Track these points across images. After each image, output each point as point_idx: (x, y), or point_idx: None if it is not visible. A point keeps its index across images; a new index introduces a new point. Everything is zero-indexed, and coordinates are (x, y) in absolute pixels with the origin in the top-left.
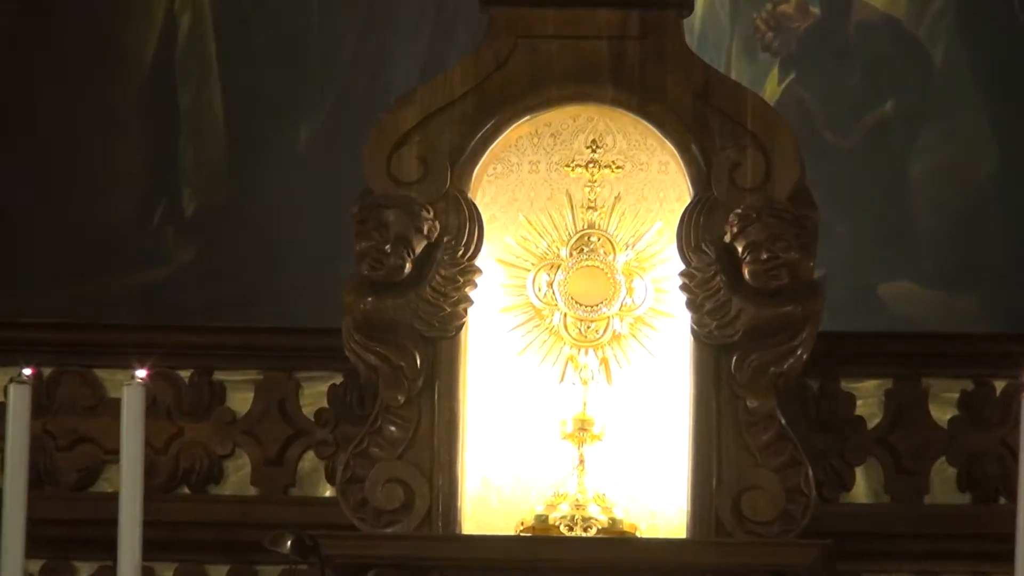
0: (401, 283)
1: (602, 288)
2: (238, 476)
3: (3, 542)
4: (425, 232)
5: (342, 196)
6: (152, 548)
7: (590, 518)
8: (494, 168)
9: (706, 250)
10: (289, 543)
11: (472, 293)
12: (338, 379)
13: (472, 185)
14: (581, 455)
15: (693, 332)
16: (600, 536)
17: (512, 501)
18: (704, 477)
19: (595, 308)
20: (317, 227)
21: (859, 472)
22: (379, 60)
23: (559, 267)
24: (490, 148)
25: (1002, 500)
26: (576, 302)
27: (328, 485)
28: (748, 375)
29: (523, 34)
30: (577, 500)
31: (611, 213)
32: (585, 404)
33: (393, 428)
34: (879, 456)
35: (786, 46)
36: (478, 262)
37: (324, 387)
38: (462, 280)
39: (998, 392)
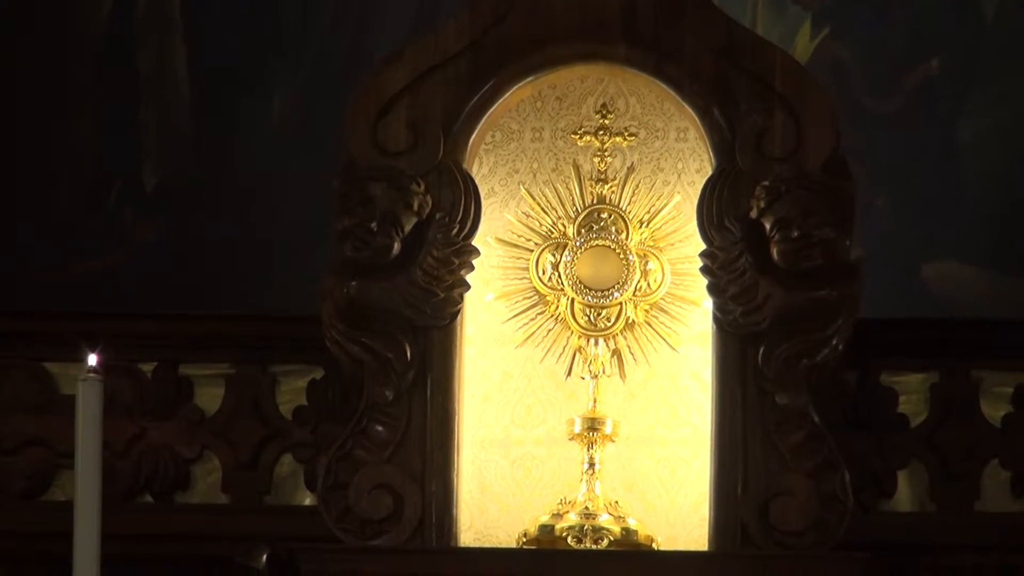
0: (389, 265)
1: (614, 270)
2: (207, 482)
3: None
4: (415, 208)
5: (322, 168)
6: (111, 563)
7: (601, 529)
8: (492, 136)
9: (730, 227)
10: (264, 557)
11: (468, 276)
12: (318, 373)
13: (468, 155)
14: (591, 458)
15: (716, 319)
16: (612, 549)
17: (514, 510)
18: (728, 482)
19: (606, 293)
20: (294, 203)
21: (902, 476)
22: (362, 15)
23: (566, 247)
24: (488, 113)
25: None
26: (585, 286)
27: (308, 492)
28: (777, 368)
29: None
30: (586, 508)
31: (623, 186)
32: (595, 401)
33: (380, 428)
34: (924, 458)
35: None
36: (474, 242)
37: (303, 382)
38: (457, 262)
39: None
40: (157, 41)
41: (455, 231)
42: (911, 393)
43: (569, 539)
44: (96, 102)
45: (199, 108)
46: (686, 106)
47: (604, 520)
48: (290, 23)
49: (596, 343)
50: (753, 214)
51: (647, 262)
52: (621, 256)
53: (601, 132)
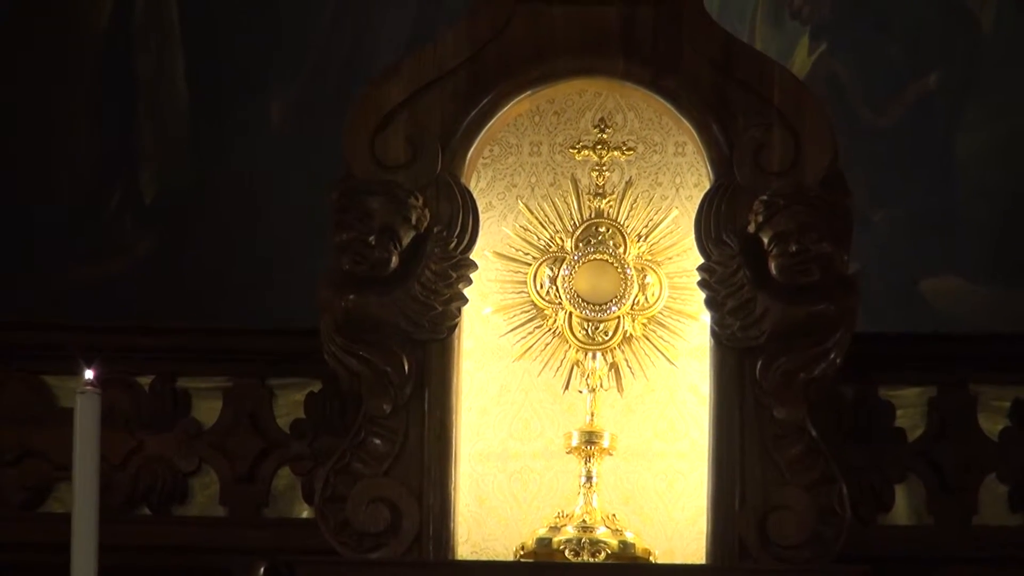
0: (387, 279)
1: (611, 284)
2: (205, 495)
3: None
4: (413, 222)
5: (320, 181)
6: (109, 575)
7: (598, 542)
8: (490, 150)
9: (728, 242)
10: (262, 570)
11: (466, 290)
12: (316, 386)
13: (466, 169)
14: (588, 471)
15: (714, 334)
16: (610, 562)
17: (511, 523)
18: (726, 496)
19: (604, 307)
20: (292, 216)
21: (899, 490)
22: (361, 27)
23: (564, 261)
24: (486, 128)
25: None
26: (583, 300)
27: (305, 505)
28: (775, 382)
29: None
30: (584, 521)
31: (621, 200)
32: (593, 414)
33: (378, 441)
34: (921, 472)
35: (817, 12)
36: (472, 255)
37: (301, 395)
38: (455, 275)
39: None
40: (156, 46)
41: (453, 245)
42: (909, 407)
43: (567, 552)
44: (95, 107)
45: (198, 112)
46: (684, 120)
47: (602, 533)
48: (289, 28)
49: (594, 357)
50: (751, 228)
51: (645, 276)
52: (619, 270)
53: (599, 146)
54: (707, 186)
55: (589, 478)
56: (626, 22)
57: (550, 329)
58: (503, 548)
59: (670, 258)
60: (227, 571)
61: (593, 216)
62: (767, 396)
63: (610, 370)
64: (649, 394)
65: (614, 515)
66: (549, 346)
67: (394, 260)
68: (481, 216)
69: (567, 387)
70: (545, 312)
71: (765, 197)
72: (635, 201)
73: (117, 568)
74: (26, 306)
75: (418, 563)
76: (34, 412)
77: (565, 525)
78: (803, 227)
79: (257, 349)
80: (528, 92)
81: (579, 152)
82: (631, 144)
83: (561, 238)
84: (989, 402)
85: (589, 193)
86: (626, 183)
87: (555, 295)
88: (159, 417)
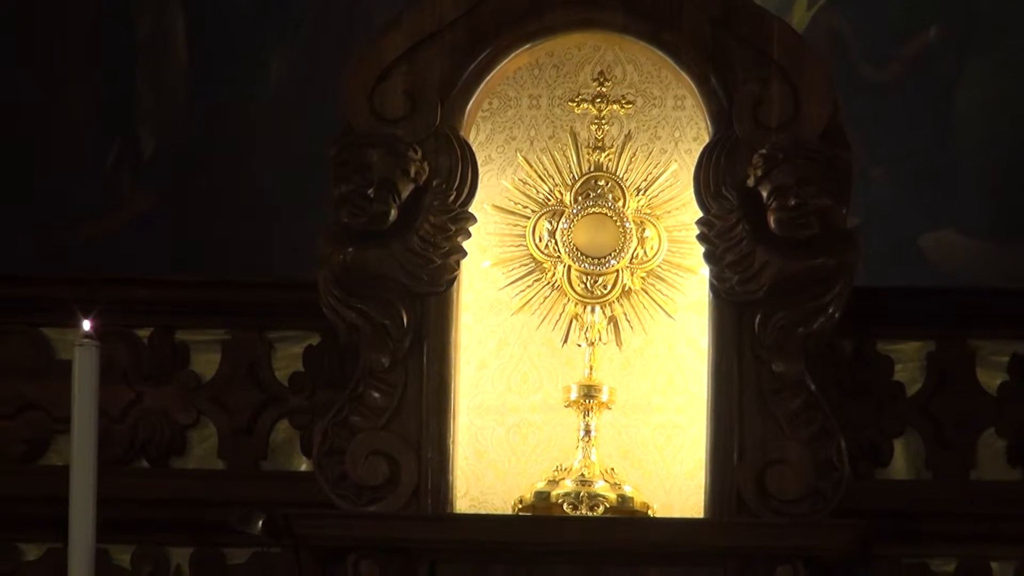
0: (385, 231)
1: (610, 238)
2: (203, 448)
3: None
4: (412, 175)
5: (319, 134)
6: (107, 528)
7: (597, 496)
8: (489, 103)
9: (727, 195)
10: (260, 523)
11: (465, 243)
12: (315, 339)
13: (465, 122)
14: (587, 425)
15: (712, 287)
16: (608, 516)
17: (509, 476)
18: (724, 450)
19: (603, 260)
20: (291, 169)
21: (897, 444)
22: None
23: (562, 214)
24: (485, 81)
25: None
26: (582, 254)
27: (304, 458)
28: (774, 336)
29: None
30: (582, 475)
31: (621, 154)
32: (591, 368)
33: (376, 394)
34: (920, 427)
35: None
36: (471, 208)
37: (299, 348)
38: (453, 228)
39: None
40: (155, 4)
41: (452, 198)
42: (907, 361)
43: (565, 506)
44: (95, 65)
45: (197, 69)
46: (683, 74)
47: (600, 487)
48: None
49: (593, 310)
50: (750, 182)
51: (644, 230)
52: (618, 223)
53: (598, 100)
54: (706, 140)
55: (588, 432)
56: None
57: (549, 283)
58: (501, 502)
59: (669, 212)
60: (225, 524)
61: (592, 169)
62: (766, 350)
63: (609, 324)
64: (648, 348)
65: (612, 469)
66: (548, 299)
67: (393, 213)
68: (480, 169)
69: (566, 341)
70: (544, 265)
71: (764, 151)
72: (634, 155)
73: (115, 521)
74: (26, 262)
75: (416, 516)
76: (33, 365)
77: (563, 479)
78: (802, 181)
79: (256, 302)
80: (527, 45)
81: (578, 105)
82: (630, 97)
83: (560, 191)
84: (988, 356)
85: (588, 146)
86: (625, 136)
87: (554, 248)
88: (158, 370)
